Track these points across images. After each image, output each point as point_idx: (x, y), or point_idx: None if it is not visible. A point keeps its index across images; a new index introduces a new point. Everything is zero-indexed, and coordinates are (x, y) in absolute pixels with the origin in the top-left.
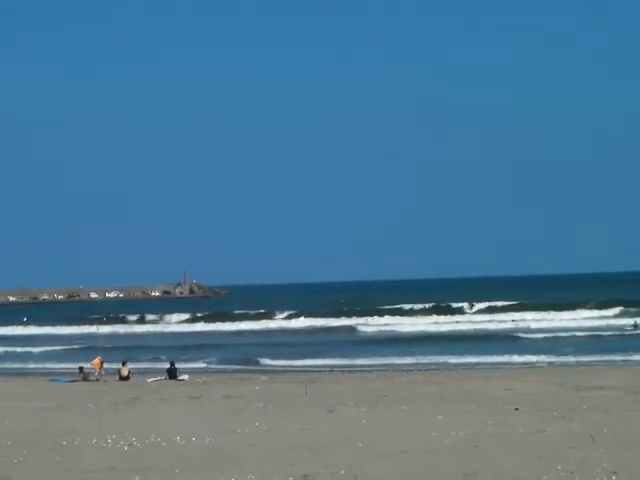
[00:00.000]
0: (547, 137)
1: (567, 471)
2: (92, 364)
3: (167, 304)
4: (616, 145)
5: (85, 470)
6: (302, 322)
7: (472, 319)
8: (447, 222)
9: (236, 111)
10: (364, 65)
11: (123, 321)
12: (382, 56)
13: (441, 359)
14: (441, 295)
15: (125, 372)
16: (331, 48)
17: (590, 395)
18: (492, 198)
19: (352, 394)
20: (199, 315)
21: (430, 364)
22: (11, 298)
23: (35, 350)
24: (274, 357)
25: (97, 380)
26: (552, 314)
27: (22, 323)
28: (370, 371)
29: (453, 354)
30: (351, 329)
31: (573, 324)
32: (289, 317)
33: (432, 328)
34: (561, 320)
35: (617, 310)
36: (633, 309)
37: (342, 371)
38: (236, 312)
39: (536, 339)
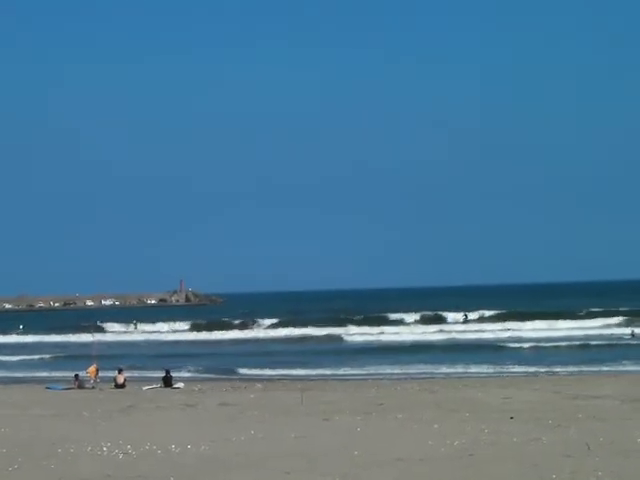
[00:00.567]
0: (541, 146)
1: None
2: (88, 372)
3: (162, 312)
4: (616, 152)
5: (80, 478)
6: (289, 331)
7: (468, 328)
8: (447, 230)
9: (229, 117)
10: (364, 65)
11: (105, 330)
12: (382, 56)
13: (432, 368)
14: (438, 303)
15: (121, 380)
16: (330, 49)
17: (586, 404)
18: (492, 205)
19: (348, 402)
20: (184, 323)
21: (421, 373)
22: (7, 306)
23: (27, 358)
24: (253, 366)
25: (93, 388)
26: (550, 323)
27: (17, 331)
28: (365, 379)
29: (445, 363)
30: (339, 338)
31: (571, 333)
32: (276, 325)
33: (425, 337)
34: (560, 329)
35: (616, 319)
36: (632, 318)
37: (338, 379)
38: (224, 320)
39: (531, 348)
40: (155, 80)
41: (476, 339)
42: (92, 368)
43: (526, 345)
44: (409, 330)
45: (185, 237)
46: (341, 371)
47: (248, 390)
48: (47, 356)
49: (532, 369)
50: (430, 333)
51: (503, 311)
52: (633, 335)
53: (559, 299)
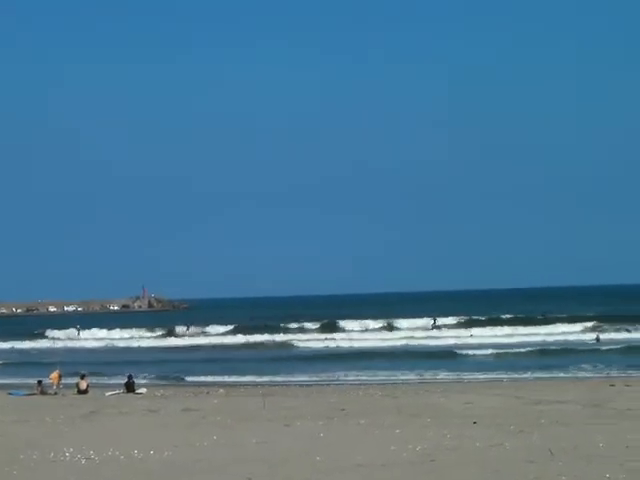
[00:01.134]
0: (541, 146)
1: None
2: (50, 378)
3: (123, 318)
4: (616, 152)
5: None
6: (240, 338)
7: (431, 334)
8: (447, 231)
9: (228, 117)
10: (364, 65)
11: (48, 336)
12: (382, 56)
13: (388, 374)
14: (419, 309)
15: (84, 386)
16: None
17: (549, 409)
18: (493, 206)
19: (310, 408)
20: (139, 330)
21: (381, 379)
22: None
23: None
24: (198, 373)
25: (55, 394)
26: (516, 329)
27: None
28: (328, 385)
29: (402, 369)
30: (289, 345)
31: (535, 339)
32: (232, 332)
33: (381, 344)
34: (524, 335)
35: (585, 325)
36: (598, 323)
37: (300, 385)
38: (178, 326)
39: (493, 354)
40: (155, 80)
41: (435, 345)
42: (55, 374)
43: (489, 351)
44: (363, 336)
45: (151, 243)
46: (292, 378)
47: (211, 396)
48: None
49: (494, 375)
50: (385, 340)
51: (478, 317)
52: (598, 340)
53: (540, 304)
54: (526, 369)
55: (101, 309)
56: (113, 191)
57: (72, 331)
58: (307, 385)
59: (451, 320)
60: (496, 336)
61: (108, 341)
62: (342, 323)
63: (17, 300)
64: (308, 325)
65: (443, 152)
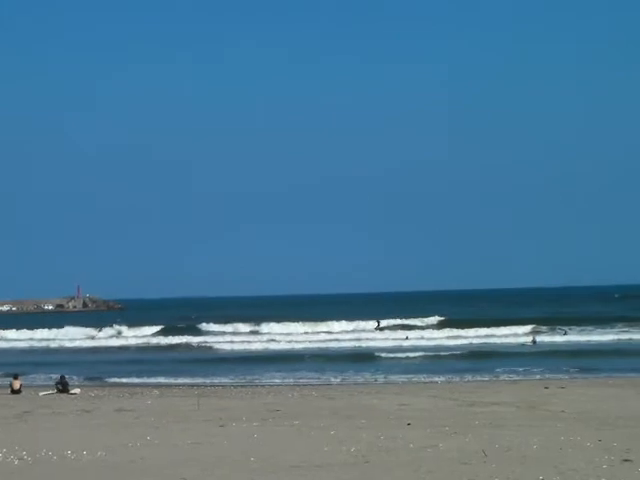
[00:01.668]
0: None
1: None
2: None
3: (58, 318)
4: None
5: None
6: (162, 339)
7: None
8: (435, 234)
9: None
10: (363, 69)
11: None
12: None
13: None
14: (357, 310)
15: (17, 386)
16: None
17: (483, 411)
18: (481, 211)
19: (244, 409)
20: (67, 329)
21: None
22: None
23: None
24: (129, 374)
25: None
26: (455, 331)
27: None
28: (263, 386)
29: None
30: (209, 347)
31: (473, 341)
32: (161, 333)
33: (298, 346)
34: (462, 337)
35: (524, 327)
36: (537, 326)
37: (234, 386)
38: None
39: (428, 356)
40: (150, 79)
41: (355, 347)
42: None
43: (422, 353)
44: (287, 338)
45: (90, 242)
46: (212, 379)
47: (145, 396)
48: None
49: (429, 377)
50: (313, 342)
51: (441, 318)
52: (534, 343)
53: (479, 306)
54: (461, 371)
55: (36, 309)
56: (44, 190)
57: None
58: (241, 386)
59: (397, 322)
60: (433, 338)
61: (37, 341)
62: (269, 325)
63: None
64: (239, 326)
65: (434, 154)
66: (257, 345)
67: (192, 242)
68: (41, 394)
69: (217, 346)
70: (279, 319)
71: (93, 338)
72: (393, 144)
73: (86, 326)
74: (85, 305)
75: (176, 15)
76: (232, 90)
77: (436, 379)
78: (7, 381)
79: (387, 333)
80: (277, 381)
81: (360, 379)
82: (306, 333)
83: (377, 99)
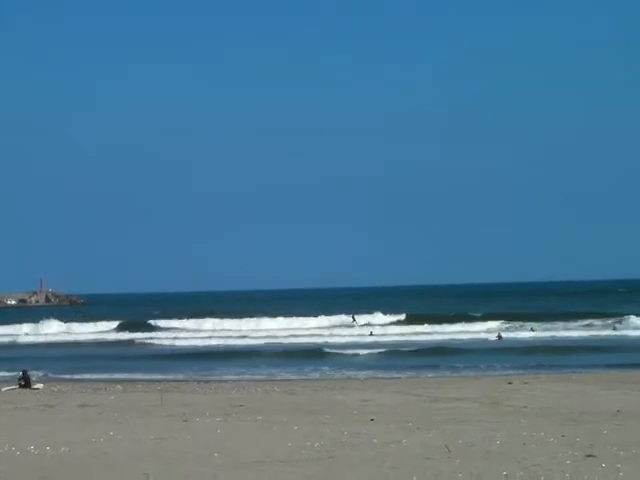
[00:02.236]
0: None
1: None
2: None
3: (19, 313)
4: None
5: None
6: (115, 335)
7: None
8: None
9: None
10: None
11: None
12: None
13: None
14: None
15: None
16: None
17: (446, 406)
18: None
19: (208, 404)
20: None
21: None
22: None
23: None
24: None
25: None
26: (422, 327)
27: None
28: (226, 381)
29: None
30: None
31: (437, 337)
32: (116, 329)
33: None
34: (429, 333)
35: (490, 323)
36: (505, 321)
37: (198, 381)
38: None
39: (392, 352)
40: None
41: (307, 343)
42: None
43: (384, 349)
44: (243, 333)
45: (51, 235)
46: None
47: (108, 391)
48: None
49: (392, 373)
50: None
51: (412, 313)
52: (500, 338)
53: (451, 303)
54: (424, 367)
55: None
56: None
57: None
58: (204, 381)
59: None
60: (399, 334)
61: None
62: (232, 321)
63: None
64: (200, 322)
65: (428, 154)
66: (213, 341)
67: (192, 242)
68: (3, 389)
69: (166, 342)
70: (253, 314)
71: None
72: (393, 144)
73: (43, 320)
74: (48, 300)
75: (176, 15)
76: (232, 90)
77: (399, 375)
78: None
79: (350, 329)
80: (233, 377)
81: (321, 375)
82: (270, 329)
83: (377, 99)
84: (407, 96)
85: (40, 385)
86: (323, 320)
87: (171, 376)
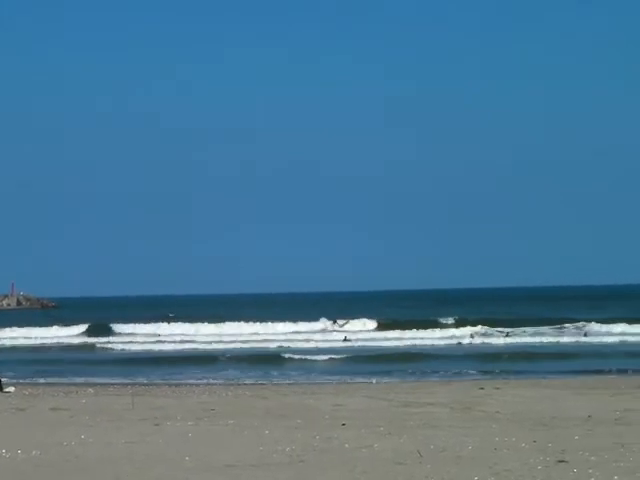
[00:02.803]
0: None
1: None
2: None
3: None
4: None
5: None
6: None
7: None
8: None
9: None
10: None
11: None
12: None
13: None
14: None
15: None
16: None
17: (418, 411)
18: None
19: (179, 408)
20: None
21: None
22: None
23: None
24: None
25: None
26: (390, 333)
27: None
28: (197, 385)
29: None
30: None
31: (408, 342)
32: (84, 333)
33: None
34: (398, 339)
35: (468, 329)
36: (482, 327)
37: (169, 385)
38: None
39: (366, 357)
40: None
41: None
42: None
43: (354, 354)
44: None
45: (26, 237)
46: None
47: (79, 395)
48: None
49: (363, 377)
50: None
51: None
52: (472, 339)
53: (429, 308)
54: (393, 372)
55: None
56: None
57: None
58: (175, 385)
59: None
60: (372, 339)
61: None
62: (201, 325)
63: None
64: (160, 327)
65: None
66: (173, 346)
67: (193, 242)
68: None
69: (131, 347)
70: (227, 319)
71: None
72: (393, 144)
73: (20, 325)
74: (19, 303)
75: (176, 15)
76: (232, 90)
77: (371, 380)
78: None
79: (325, 334)
80: (202, 381)
81: (292, 379)
82: (242, 334)
83: (377, 99)
84: (407, 96)
85: (12, 388)
86: (299, 325)
87: (139, 380)
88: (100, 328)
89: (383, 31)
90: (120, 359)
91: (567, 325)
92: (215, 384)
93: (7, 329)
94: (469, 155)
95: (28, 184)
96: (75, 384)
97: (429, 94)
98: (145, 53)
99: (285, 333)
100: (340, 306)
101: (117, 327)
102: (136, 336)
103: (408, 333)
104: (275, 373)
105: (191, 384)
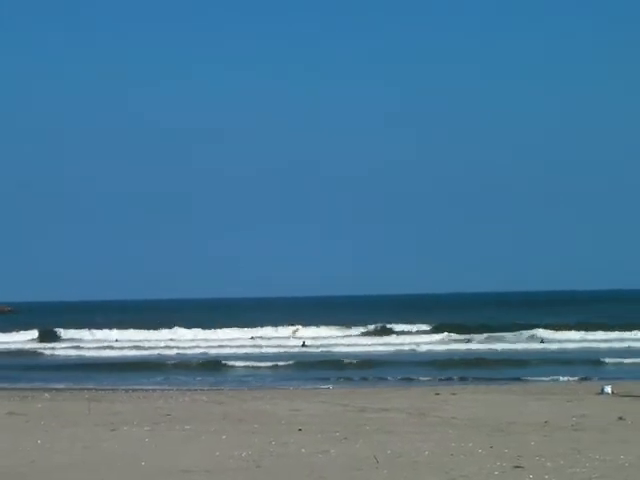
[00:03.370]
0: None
1: None
2: None
3: None
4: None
5: None
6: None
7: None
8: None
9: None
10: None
11: None
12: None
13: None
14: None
15: None
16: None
17: (374, 417)
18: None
19: (135, 413)
20: None
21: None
22: None
23: None
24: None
25: None
26: (356, 339)
27: None
28: (154, 390)
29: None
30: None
31: (371, 349)
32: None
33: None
34: (362, 345)
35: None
36: (449, 334)
37: (125, 390)
38: None
39: (331, 362)
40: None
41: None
42: None
43: (313, 360)
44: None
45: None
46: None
47: (35, 399)
48: None
49: (320, 383)
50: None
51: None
52: (431, 347)
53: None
54: (350, 378)
55: None
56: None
57: None
58: (132, 390)
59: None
60: (332, 345)
61: None
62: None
63: None
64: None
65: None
66: (121, 352)
67: (193, 242)
68: None
69: (83, 352)
70: (182, 324)
71: None
72: (393, 144)
73: None
74: None
75: (176, 15)
76: (232, 90)
77: (328, 385)
78: None
79: (283, 340)
80: (155, 387)
81: (246, 386)
82: (198, 339)
83: (377, 99)
84: (407, 96)
85: None
86: (258, 331)
87: (92, 385)
88: (52, 334)
89: (383, 31)
90: (68, 365)
91: (523, 332)
92: (171, 390)
93: None
94: (469, 155)
95: (28, 184)
96: (30, 389)
97: (429, 94)
98: (145, 53)
99: (239, 339)
100: (320, 311)
101: (66, 333)
102: (85, 342)
103: (367, 339)
104: (230, 379)
105: (147, 389)
